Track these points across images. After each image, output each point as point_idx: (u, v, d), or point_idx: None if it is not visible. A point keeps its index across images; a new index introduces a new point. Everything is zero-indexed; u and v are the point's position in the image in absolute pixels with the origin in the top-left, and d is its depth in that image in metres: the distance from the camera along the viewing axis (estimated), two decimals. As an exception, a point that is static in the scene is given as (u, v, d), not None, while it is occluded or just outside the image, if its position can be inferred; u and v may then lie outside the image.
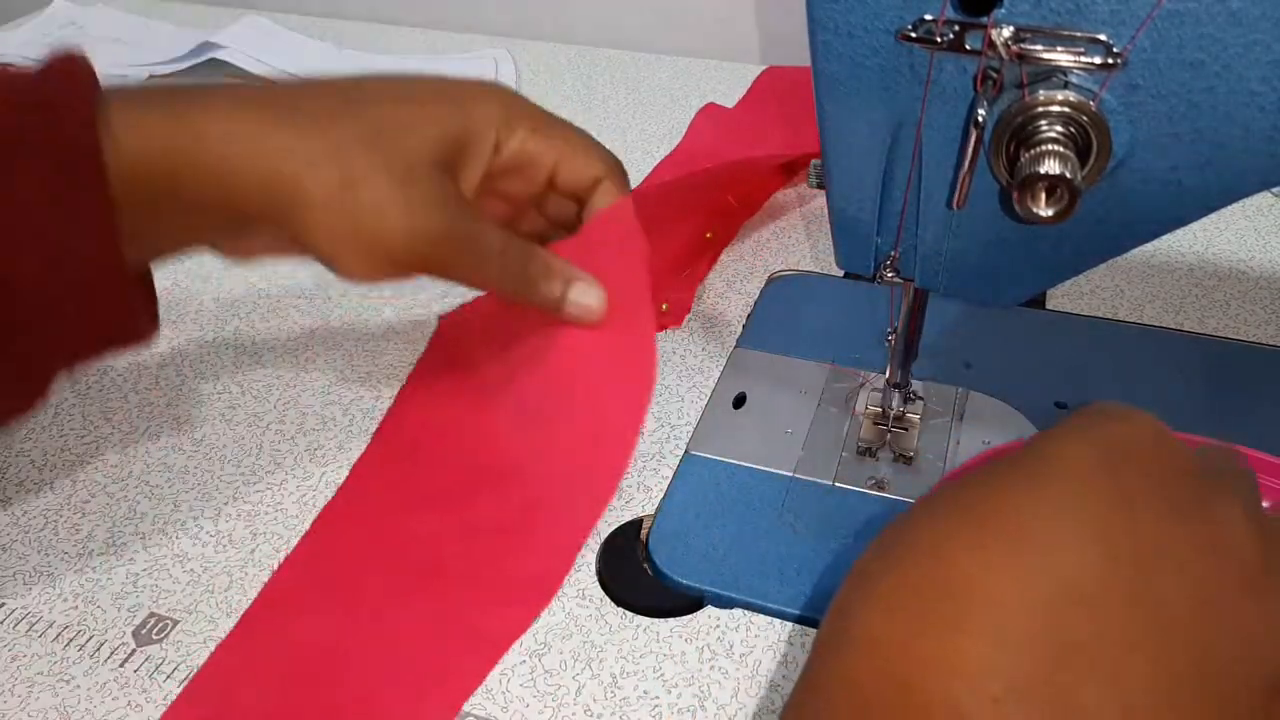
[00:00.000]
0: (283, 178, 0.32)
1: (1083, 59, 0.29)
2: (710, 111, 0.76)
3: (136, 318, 0.33)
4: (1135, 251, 0.35)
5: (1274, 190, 0.65)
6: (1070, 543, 0.22)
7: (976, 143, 0.31)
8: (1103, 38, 0.29)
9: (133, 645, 0.38)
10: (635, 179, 0.67)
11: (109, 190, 0.29)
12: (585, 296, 0.39)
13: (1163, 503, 0.23)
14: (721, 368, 0.51)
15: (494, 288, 0.38)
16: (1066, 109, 0.30)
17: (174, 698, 0.36)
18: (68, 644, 0.38)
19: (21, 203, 0.29)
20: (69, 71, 0.30)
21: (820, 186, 0.38)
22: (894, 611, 0.22)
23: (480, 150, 0.36)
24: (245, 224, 0.33)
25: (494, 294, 0.41)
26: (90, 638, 0.39)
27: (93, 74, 0.31)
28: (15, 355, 0.31)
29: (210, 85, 0.33)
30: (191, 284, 0.58)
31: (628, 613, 0.39)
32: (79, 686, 0.37)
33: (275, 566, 0.41)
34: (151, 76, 0.84)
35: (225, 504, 0.44)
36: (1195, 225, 0.33)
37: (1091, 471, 0.23)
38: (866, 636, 0.23)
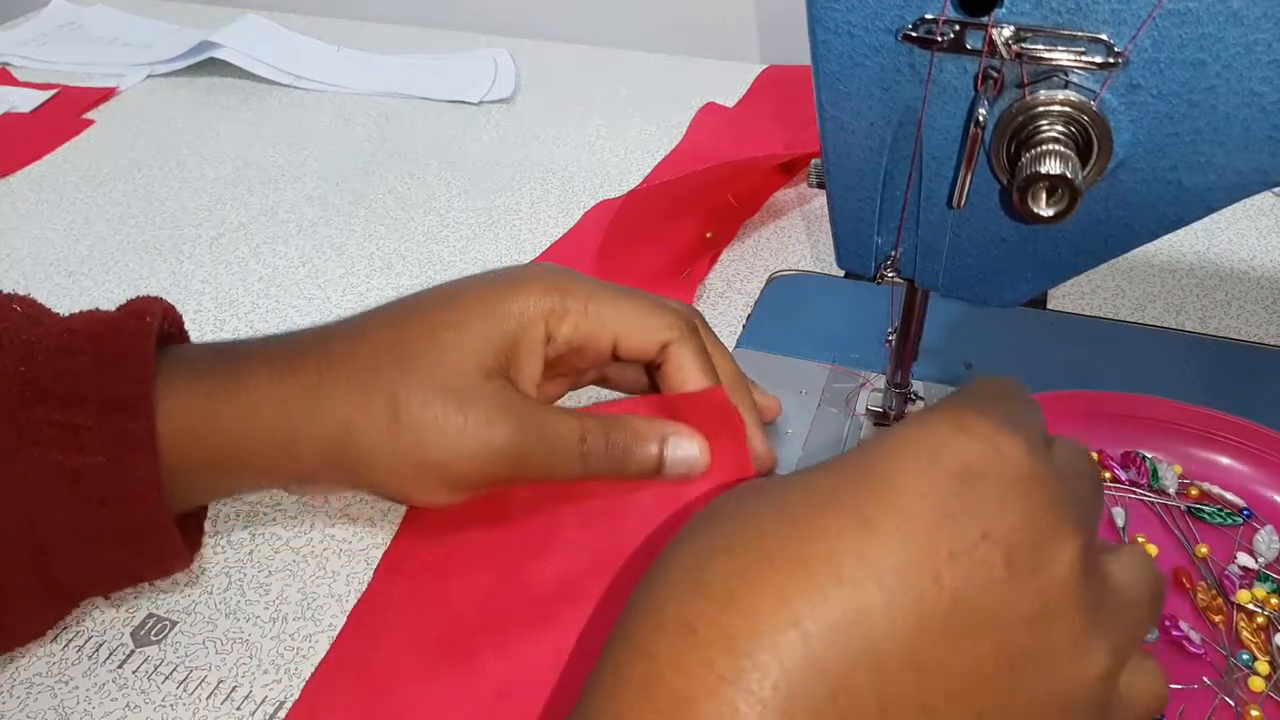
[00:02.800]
0: (336, 431, 0.32)
1: (1083, 59, 0.29)
2: (710, 111, 0.76)
3: (178, 555, 0.33)
4: (1136, 251, 0.35)
5: (1275, 190, 0.65)
6: (883, 603, 0.21)
7: (977, 142, 0.31)
8: (1104, 37, 0.28)
9: (131, 646, 0.38)
10: (635, 178, 0.67)
11: (159, 460, 0.30)
12: (685, 449, 0.35)
13: (997, 560, 0.22)
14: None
15: (583, 478, 0.35)
16: (1067, 109, 0.30)
17: (172, 699, 0.36)
18: (66, 645, 0.38)
19: (73, 458, 0.30)
20: (136, 322, 0.31)
21: (820, 186, 0.38)
22: (663, 649, 0.21)
23: (532, 347, 0.35)
24: (306, 478, 0.33)
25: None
26: (89, 639, 0.39)
27: (155, 322, 0.32)
28: (51, 586, 0.32)
29: (254, 346, 0.33)
30: (191, 284, 0.58)
31: (627, 613, 0.39)
32: (78, 687, 0.37)
33: (273, 568, 0.41)
34: (150, 76, 0.84)
35: (224, 504, 0.44)
36: (1196, 225, 0.33)
37: (928, 518, 0.22)
38: (636, 676, 0.22)
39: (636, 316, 0.36)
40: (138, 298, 0.33)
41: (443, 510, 0.39)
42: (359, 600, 0.39)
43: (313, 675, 0.37)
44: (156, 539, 0.31)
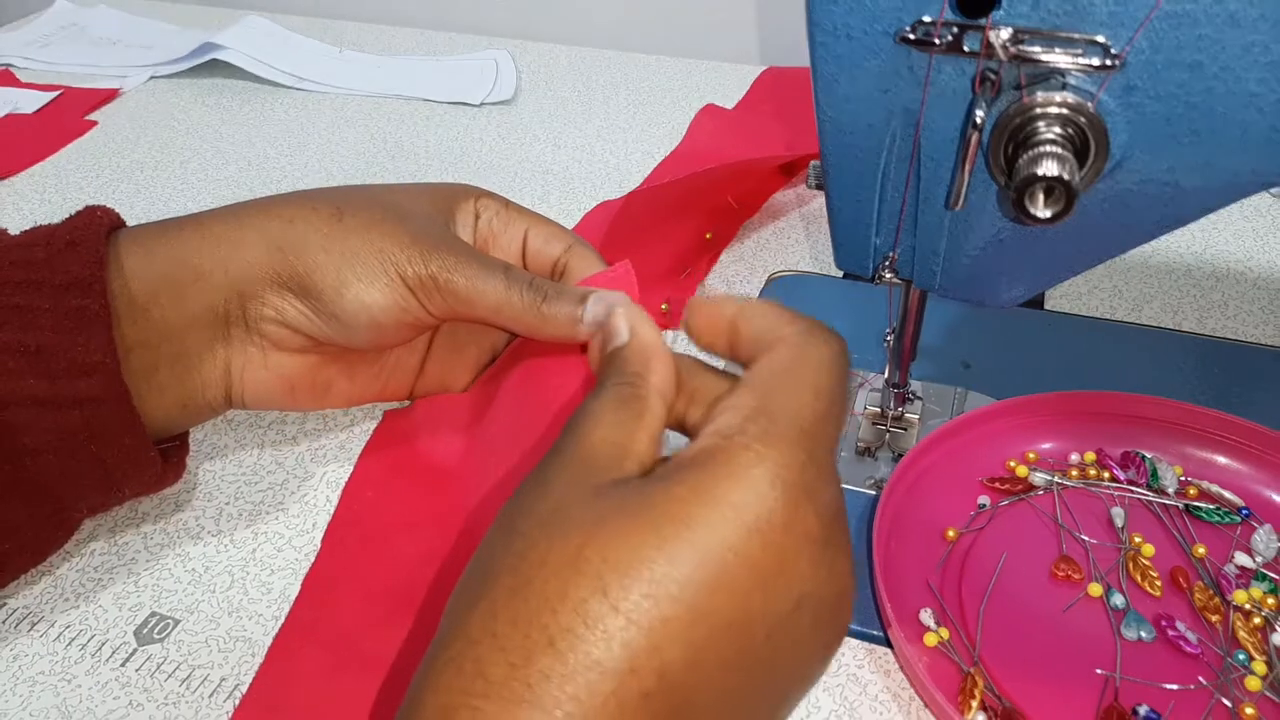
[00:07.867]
0: (281, 224, 0.34)
1: (1081, 60, 0.29)
2: (710, 112, 0.76)
3: (135, 435, 0.33)
4: (1133, 252, 0.35)
5: (1272, 191, 0.65)
6: (690, 636, 0.22)
7: (975, 144, 0.31)
8: (1101, 39, 0.29)
9: (134, 644, 0.38)
10: (635, 179, 0.67)
11: (110, 312, 0.32)
12: (605, 302, 0.35)
13: (785, 594, 0.24)
14: (721, 368, 0.51)
15: (504, 310, 0.36)
16: (1065, 110, 0.30)
17: (175, 697, 0.36)
18: (69, 643, 0.39)
19: (30, 337, 0.31)
20: (88, 218, 0.34)
21: (819, 187, 0.38)
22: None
23: (464, 216, 0.39)
24: (249, 286, 0.34)
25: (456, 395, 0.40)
26: (92, 637, 0.39)
27: (108, 218, 0.34)
28: (26, 485, 0.32)
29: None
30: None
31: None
32: (80, 686, 0.37)
33: (275, 567, 0.41)
34: (153, 77, 0.84)
35: (226, 503, 0.44)
36: (1193, 226, 0.33)
37: (760, 554, 0.24)
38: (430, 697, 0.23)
39: (546, 223, 0.40)
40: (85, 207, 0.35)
41: (386, 478, 0.43)
42: (310, 569, 0.41)
43: (271, 645, 0.38)
44: (114, 411, 0.32)
